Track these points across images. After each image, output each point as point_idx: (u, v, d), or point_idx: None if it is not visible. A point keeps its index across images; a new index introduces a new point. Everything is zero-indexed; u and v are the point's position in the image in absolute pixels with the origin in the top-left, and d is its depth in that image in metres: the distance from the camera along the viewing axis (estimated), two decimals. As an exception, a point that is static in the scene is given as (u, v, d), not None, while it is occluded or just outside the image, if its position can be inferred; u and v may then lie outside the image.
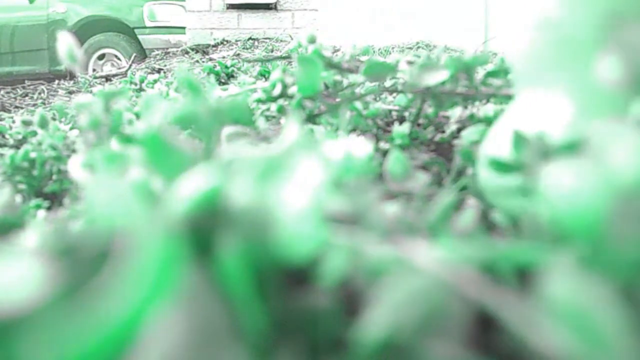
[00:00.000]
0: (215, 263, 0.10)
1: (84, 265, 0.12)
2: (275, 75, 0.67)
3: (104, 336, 0.11)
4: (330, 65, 0.64)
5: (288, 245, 0.10)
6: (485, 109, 0.66)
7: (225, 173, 0.12)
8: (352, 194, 0.15)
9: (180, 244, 0.10)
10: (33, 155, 0.68)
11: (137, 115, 0.66)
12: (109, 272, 0.11)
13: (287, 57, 1.39)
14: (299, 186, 0.11)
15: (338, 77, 0.67)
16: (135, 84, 1.93)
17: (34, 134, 0.84)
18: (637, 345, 0.11)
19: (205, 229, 0.11)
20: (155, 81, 1.90)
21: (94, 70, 4.82)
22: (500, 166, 0.26)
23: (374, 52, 2.30)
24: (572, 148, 0.23)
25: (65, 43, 0.46)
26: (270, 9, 4.11)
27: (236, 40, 3.87)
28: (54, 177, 0.68)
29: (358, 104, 0.68)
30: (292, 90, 0.66)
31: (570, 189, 0.14)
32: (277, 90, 0.66)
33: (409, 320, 0.11)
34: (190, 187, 0.12)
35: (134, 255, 0.11)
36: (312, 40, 0.65)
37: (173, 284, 0.10)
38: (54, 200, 0.65)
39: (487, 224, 0.28)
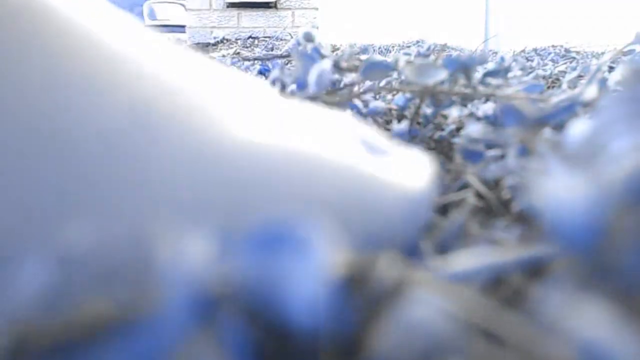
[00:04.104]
0: (220, 330, 0.10)
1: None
2: (274, 75, 0.66)
3: None
4: (329, 64, 0.64)
5: (293, 320, 0.10)
6: (484, 108, 0.66)
7: (230, 244, 0.11)
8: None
9: (187, 309, 0.10)
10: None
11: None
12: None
13: (286, 56, 1.39)
14: (307, 261, 0.11)
15: (337, 76, 0.67)
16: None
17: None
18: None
19: (210, 295, 0.11)
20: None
21: (93, 68, 4.81)
22: None
23: (374, 50, 2.30)
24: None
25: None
26: (271, 7, 4.10)
27: (236, 39, 3.87)
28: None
29: (358, 102, 0.68)
30: (291, 90, 0.66)
31: (567, 198, 0.13)
32: (275, 90, 0.66)
33: (412, 353, 0.11)
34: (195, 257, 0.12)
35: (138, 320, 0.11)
36: (310, 39, 0.65)
37: (179, 350, 0.10)
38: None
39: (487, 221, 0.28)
